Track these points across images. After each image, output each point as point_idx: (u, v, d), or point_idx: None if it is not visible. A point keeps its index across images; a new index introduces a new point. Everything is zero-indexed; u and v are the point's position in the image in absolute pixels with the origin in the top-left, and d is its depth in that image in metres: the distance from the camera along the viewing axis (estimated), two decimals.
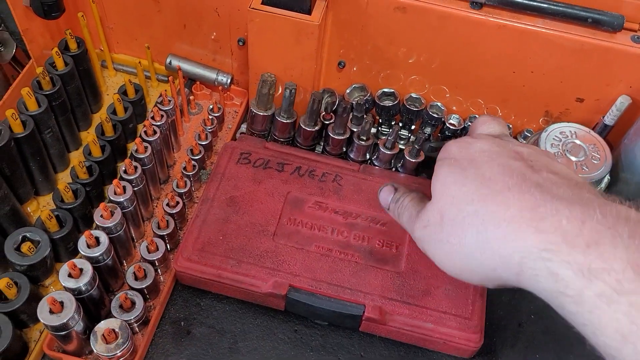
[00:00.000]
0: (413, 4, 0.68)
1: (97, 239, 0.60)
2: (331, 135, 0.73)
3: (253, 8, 0.67)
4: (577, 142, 0.65)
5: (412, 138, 0.73)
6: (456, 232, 0.48)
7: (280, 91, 0.76)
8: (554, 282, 0.40)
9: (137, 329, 0.63)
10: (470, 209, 0.46)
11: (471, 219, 0.46)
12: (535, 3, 0.66)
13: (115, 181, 0.63)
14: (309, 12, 0.67)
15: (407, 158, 0.72)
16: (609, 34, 0.66)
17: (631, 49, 0.66)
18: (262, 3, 0.67)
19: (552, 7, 0.65)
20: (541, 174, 0.47)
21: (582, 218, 0.40)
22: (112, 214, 0.62)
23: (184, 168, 0.73)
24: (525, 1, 0.66)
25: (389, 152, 0.72)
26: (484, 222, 0.45)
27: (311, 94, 0.71)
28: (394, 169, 0.75)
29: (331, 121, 0.75)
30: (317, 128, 0.74)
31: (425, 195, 0.57)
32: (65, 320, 0.55)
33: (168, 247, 0.70)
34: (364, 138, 0.73)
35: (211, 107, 0.79)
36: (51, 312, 0.55)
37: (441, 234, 0.49)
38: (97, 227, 0.62)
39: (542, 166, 0.48)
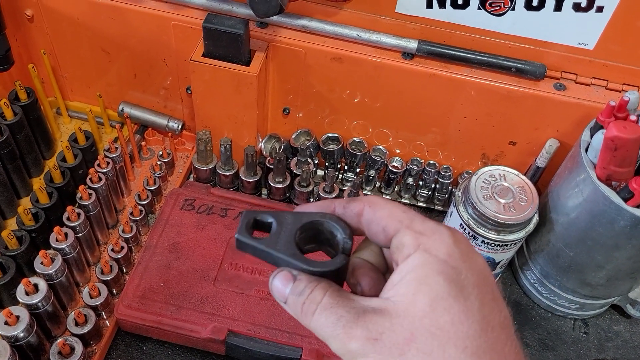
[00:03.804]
0: (348, 54, 0.72)
1: (35, 286, 0.61)
2: (271, 184, 0.76)
3: (194, 60, 0.70)
4: (506, 184, 0.67)
5: (353, 181, 0.75)
6: None
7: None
8: None
9: None
10: (460, 357, 0.34)
11: None
12: (461, 54, 0.69)
13: (56, 228, 0.64)
14: (248, 64, 0.70)
15: None
16: (533, 82, 0.70)
17: (554, 95, 0.69)
18: (203, 55, 0.70)
19: (478, 57, 0.69)
20: None
21: None
22: (52, 260, 0.63)
23: (131, 213, 0.75)
24: (452, 52, 0.69)
25: (328, 196, 0.74)
26: None
27: (244, 149, 0.73)
28: None
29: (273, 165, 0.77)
30: (256, 178, 0.77)
31: (341, 288, 0.38)
32: None
33: (114, 291, 0.71)
34: (304, 184, 0.76)
35: (160, 152, 0.82)
36: None
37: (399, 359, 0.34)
38: (38, 274, 0.63)
39: None
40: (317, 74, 0.75)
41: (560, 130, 0.72)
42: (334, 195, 0.76)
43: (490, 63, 0.69)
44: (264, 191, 0.81)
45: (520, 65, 0.69)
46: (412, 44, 0.70)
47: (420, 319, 0.34)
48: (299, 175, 0.77)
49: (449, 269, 0.35)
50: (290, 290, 0.38)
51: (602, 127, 0.62)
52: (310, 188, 0.76)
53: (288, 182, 0.77)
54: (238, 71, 0.69)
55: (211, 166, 0.78)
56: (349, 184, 0.84)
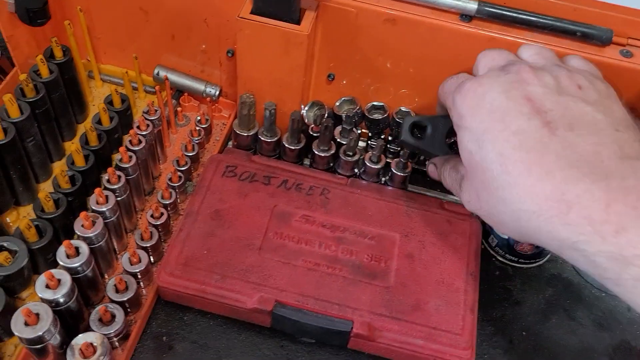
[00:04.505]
0: (403, 15, 0.68)
1: (77, 249, 0.58)
2: (315, 152, 0.73)
3: (242, 17, 0.67)
4: None
5: (402, 152, 0.72)
6: (491, 199, 0.50)
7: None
8: (593, 268, 0.43)
9: (116, 343, 0.61)
10: (499, 194, 0.48)
11: (501, 200, 0.48)
12: (524, 16, 0.65)
13: (97, 190, 0.61)
14: (298, 22, 0.67)
15: (395, 171, 0.72)
16: (598, 48, 0.66)
17: (621, 62, 0.66)
18: (252, 12, 0.67)
19: (541, 20, 0.65)
20: (559, 133, 0.45)
21: (607, 200, 0.41)
22: (93, 223, 0.60)
23: (170, 179, 0.72)
24: (514, 14, 0.66)
25: (374, 166, 0.71)
26: (515, 212, 0.46)
27: (290, 114, 0.70)
28: (383, 182, 0.74)
29: (317, 133, 0.74)
30: (300, 146, 0.74)
31: (458, 160, 0.56)
32: (40, 333, 0.52)
33: (151, 259, 0.68)
34: (350, 154, 0.72)
35: (198, 118, 0.78)
36: (26, 324, 0.53)
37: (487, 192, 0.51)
38: (78, 237, 0.60)
39: (561, 118, 0.47)
40: (367, 37, 0.71)
41: (624, 99, 0.68)
42: (380, 165, 0.72)
43: (554, 27, 0.65)
44: (306, 161, 0.78)
45: (586, 30, 0.65)
46: (472, 5, 0.66)
47: (474, 175, 0.52)
48: (343, 144, 0.74)
49: (464, 131, 0.52)
50: (437, 174, 0.66)
51: None
52: (356, 157, 0.73)
53: (333, 151, 0.73)
54: (288, 30, 0.66)
55: (252, 132, 0.74)
56: (390, 155, 0.80)
